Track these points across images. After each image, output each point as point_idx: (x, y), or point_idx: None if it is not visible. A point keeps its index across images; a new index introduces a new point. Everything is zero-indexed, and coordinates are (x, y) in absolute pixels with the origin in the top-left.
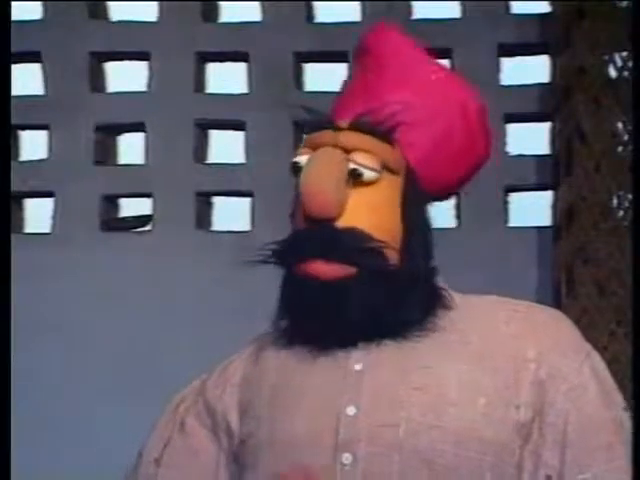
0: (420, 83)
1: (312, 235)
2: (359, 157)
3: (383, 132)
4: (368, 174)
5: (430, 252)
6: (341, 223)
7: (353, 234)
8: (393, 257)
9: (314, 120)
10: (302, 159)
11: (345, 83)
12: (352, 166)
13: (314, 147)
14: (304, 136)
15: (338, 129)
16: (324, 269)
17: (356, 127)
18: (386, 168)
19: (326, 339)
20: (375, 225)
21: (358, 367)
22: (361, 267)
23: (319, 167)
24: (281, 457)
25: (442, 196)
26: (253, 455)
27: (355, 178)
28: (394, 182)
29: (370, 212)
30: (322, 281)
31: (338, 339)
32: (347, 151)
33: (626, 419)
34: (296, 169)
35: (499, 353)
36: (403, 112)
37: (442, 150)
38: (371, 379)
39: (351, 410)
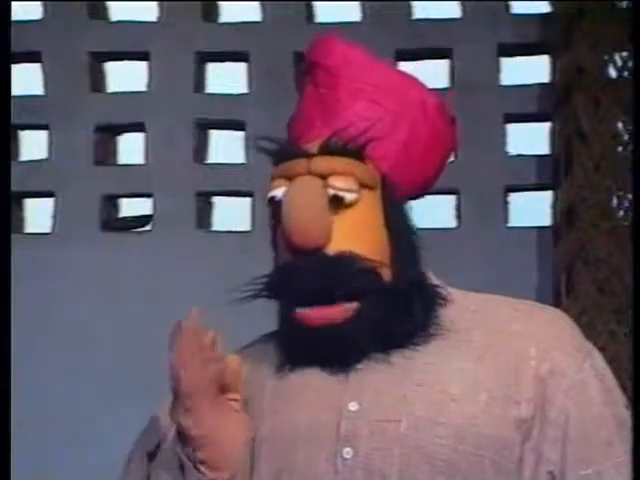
0: (375, 90)
1: (306, 266)
2: (337, 181)
3: (354, 151)
4: (349, 197)
5: (418, 256)
6: (330, 250)
7: (345, 258)
8: (386, 273)
9: (280, 149)
10: (278, 192)
11: (298, 103)
12: (332, 192)
13: (287, 177)
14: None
15: (309, 156)
16: (326, 314)
17: (327, 150)
18: (363, 186)
19: (330, 363)
20: (363, 245)
21: (360, 365)
22: (359, 294)
23: (300, 198)
24: (283, 451)
25: (419, 194)
26: (256, 449)
27: (337, 203)
28: (372, 197)
29: (356, 233)
30: (324, 327)
31: (343, 361)
32: (323, 176)
33: (627, 416)
34: (273, 203)
35: (501, 350)
36: (370, 127)
37: (411, 153)
38: (373, 376)
39: (353, 406)
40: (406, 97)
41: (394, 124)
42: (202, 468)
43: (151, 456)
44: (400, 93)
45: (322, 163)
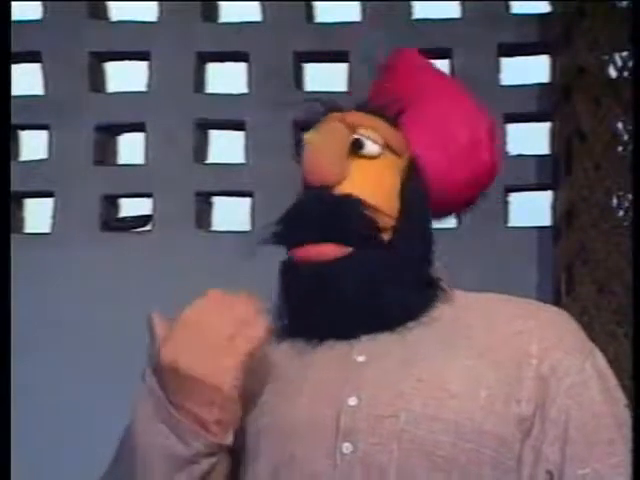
0: (432, 87)
1: (309, 200)
2: (362, 130)
3: (388, 115)
4: (371, 146)
5: (428, 241)
6: (338, 190)
7: (351, 201)
8: (387, 228)
9: (327, 110)
10: (309, 135)
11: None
12: (355, 136)
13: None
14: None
15: (344, 110)
16: (317, 251)
17: (361, 109)
18: (389, 147)
19: (325, 330)
20: (372, 196)
21: (361, 358)
22: (356, 239)
23: (322, 137)
24: (282, 445)
25: (442, 212)
26: (254, 442)
27: (357, 149)
28: (396, 163)
29: (369, 184)
30: (316, 263)
31: (338, 329)
32: (352, 128)
33: (627, 416)
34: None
35: (502, 348)
36: (409, 103)
37: (445, 154)
38: (373, 370)
39: (353, 400)
40: (460, 106)
41: (437, 122)
42: (215, 428)
43: None
44: (456, 101)
45: (354, 116)
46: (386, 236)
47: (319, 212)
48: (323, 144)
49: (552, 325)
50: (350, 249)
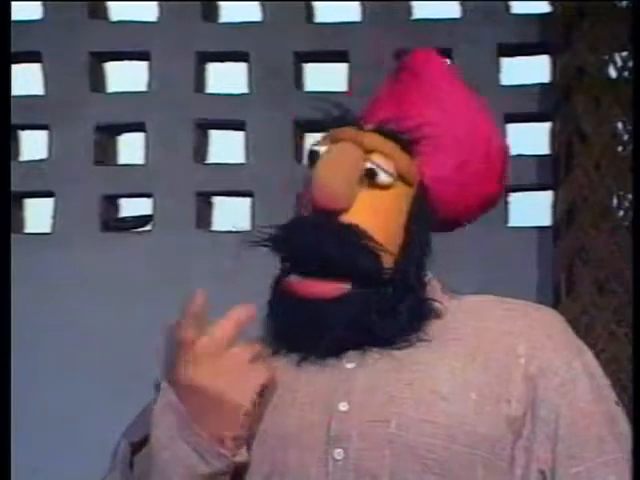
0: (451, 107)
1: (314, 224)
2: (377, 158)
3: (406, 141)
4: (383, 177)
5: (423, 269)
6: (345, 219)
7: (353, 230)
8: (388, 262)
9: (340, 117)
10: (321, 149)
11: (377, 92)
12: (369, 165)
13: (335, 141)
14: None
15: (361, 128)
16: (315, 290)
17: (380, 130)
18: (401, 177)
19: (317, 353)
20: (378, 227)
21: (350, 365)
22: (356, 274)
23: (334, 160)
24: (275, 452)
25: (444, 228)
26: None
27: (370, 178)
28: (406, 193)
29: (376, 214)
30: (311, 301)
31: (328, 352)
32: (367, 151)
33: (618, 413)
34: (313, 158)
35: (491, 349)
36: (429, 127)
37: (457, 177)
38: (363, 376)
39: (343, 406)
40: (476, 128)
41: (453, 143)
42: (231, 444)
43: (135, 446)
44: (472, 122)
45: (370, 138)
46: (387, 261)
47: (322, 242)
48: (335, 168)
49: (541, 325)
50: (348, 287)
